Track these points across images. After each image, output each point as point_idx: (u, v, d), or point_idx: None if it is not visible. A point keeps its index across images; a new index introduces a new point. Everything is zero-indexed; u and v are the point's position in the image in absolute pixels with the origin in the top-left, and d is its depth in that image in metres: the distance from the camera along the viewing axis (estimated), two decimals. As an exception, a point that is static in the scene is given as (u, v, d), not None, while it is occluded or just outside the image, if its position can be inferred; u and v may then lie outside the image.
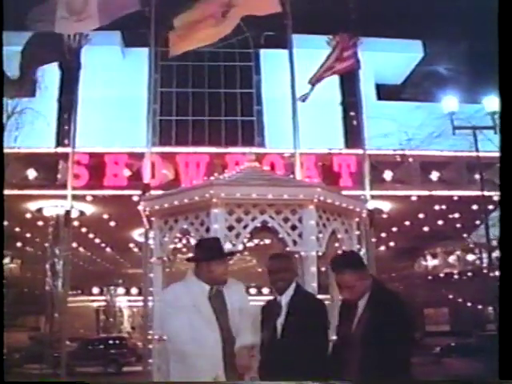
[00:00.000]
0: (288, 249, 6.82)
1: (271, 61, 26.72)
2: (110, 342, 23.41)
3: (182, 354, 4.29)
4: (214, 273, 4.47)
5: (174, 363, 4.37)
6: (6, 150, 13.16)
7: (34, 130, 19.91)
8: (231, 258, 4.87)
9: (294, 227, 6.71)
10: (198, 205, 6.73)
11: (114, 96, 25.66)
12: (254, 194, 6.64)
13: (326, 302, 7.46)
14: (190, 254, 4.83)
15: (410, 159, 19.33)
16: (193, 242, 7.60)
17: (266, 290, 22.09)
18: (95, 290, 32.49)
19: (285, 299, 4.35)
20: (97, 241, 23.14)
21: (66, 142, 19.39)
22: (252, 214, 6.66)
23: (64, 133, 22.14)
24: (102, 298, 32.90)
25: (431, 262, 29.99)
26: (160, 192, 8.40)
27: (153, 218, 7.32)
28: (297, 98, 13.13)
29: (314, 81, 13.66)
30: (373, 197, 16.04)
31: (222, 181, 7.47)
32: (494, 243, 20.30)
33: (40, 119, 20.60)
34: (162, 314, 5.09)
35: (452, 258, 28.98)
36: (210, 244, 4.78)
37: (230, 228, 6.62)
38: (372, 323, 3.67)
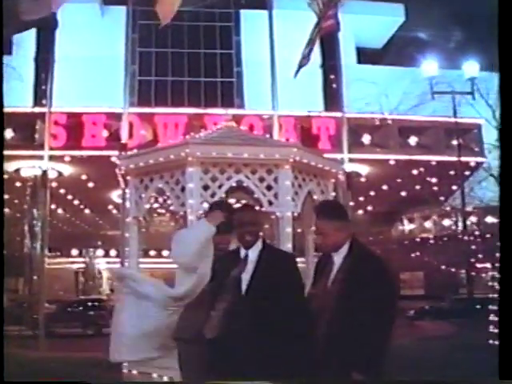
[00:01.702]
0: (263, 209, 6.81)
1: (251, 22, 26.38)
2: (89, 303, 23.35)
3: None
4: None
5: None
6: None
7: (10, 89, 19.53)
8: None
9: (269, 187, 6.69)
10: (173, 163, 6.70)
11: (92, 55, 25.18)
12: (230, 153, 6.60)
13: (301, 265, 7.54)
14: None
15: (389, 123, 19.37)
16: (169, 202, 7.59)
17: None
18: (74, 251, 32.43)
19: (252, 254, 4.00)
20: (75, 202, 23.01)
21: (44, 101, 19.05)
22: (227, 173, 6.63)
23: (41, 92, 21.72)
24: (81, 259, 32.87)
25: (408, 227, 30.34)
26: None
27: (128, 177, 7.28)
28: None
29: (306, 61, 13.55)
30: (351, 160, 16.19)
31: (197, 140, 7.43)
32: (469, 208, 20.59)
33: (16, 78, 20.22)
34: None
35: (428, 223, 29.34)
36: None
37: (206, 187, 6.59)
38: (350, 279, 3.55)
